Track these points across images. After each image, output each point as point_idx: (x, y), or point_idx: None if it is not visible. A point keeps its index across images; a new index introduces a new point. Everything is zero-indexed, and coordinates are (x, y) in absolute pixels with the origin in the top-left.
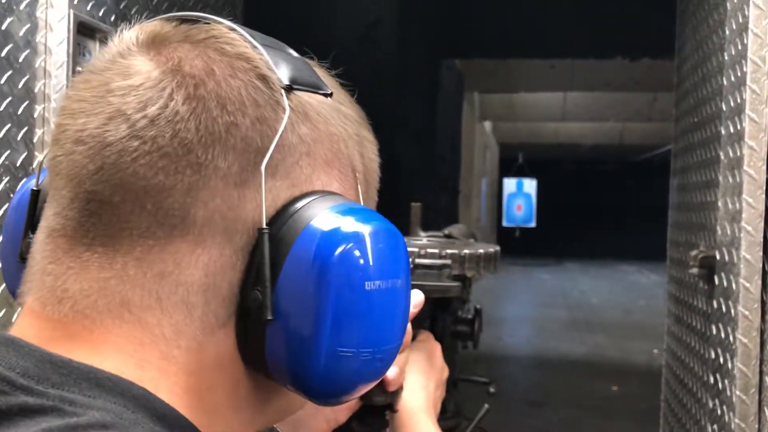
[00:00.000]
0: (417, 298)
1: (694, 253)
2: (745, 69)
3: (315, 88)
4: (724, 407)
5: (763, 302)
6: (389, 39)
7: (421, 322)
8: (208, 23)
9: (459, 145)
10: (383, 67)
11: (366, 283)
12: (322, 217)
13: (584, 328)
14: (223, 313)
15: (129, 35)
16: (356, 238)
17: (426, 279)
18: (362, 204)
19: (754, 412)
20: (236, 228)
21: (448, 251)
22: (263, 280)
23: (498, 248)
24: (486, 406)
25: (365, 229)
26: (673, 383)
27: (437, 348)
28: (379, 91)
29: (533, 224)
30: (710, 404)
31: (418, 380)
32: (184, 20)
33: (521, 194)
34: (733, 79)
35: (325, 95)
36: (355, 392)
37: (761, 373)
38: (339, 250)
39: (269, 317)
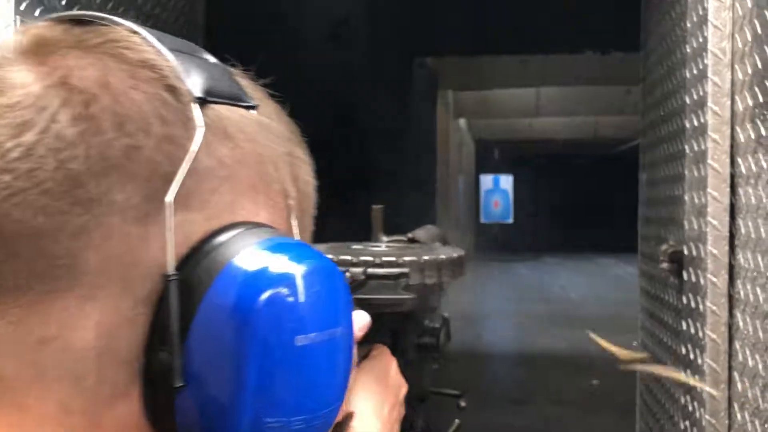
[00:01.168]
0: (362, 320)
1: (663, 248)
2: (706, 61)
3: (235, 100)
4: (696, 403)
5: (730, 297)
6: (358, 38)
7: (380, 335)
8: (107, 25)
9: (434, 143)
10: (352, 67)
11: (297, 337)
12: (244, 255)
13: (564, 323)
14: (122, 380)
15: (9, 40)
16: (286, 282)
17: (380, 292)
18: (296, 236)
19: (725, 408)
20: (136, 274)
21: (407, 258)
22: (170, 337)
23: (463, 252)
24: (456, 421)
25: (297, 270)
26: (648, 379)
27: (392, 363)
28: (348, 91)
29: (510, 220)
30: (682, 400)
31: (369, 406)
32: (77, 21)
33: (498, 191)
34: (695, 71)
35: (249, 108)
36: None
37: (730, 368)
38: (264, 296)
39: (179, 383)
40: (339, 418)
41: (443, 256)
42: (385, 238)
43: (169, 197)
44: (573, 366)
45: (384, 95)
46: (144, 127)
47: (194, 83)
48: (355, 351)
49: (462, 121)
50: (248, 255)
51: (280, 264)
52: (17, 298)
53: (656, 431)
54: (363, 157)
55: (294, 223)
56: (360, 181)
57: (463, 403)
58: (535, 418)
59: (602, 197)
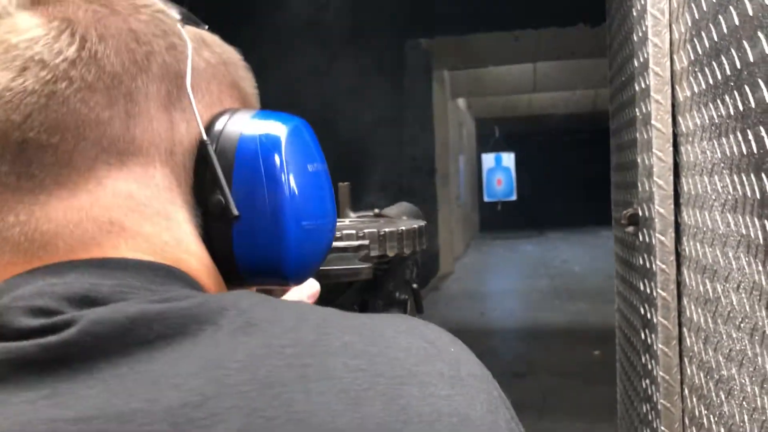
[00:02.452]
0: (312, 287)
1: (624, 211)
2: (647, 23)
3: (196, 23)
4: (653, 361)
5: (678, 255)
6: (341, 22)
7: (348, 307)
8: None
9: (431, 124)
10: (337, 52)
11: (308, 165)
12: (250, 123)
13: (566, 297)
14: (191, 221)
15: None
16: (289, 129)
17: (336, 263)
18: None
19: (677, 364)
20: (175, 149)
21: (366, 231)
22: (220, 183)
23: (424, 223)
24: None
25: (293, 123)
26: (623, 342)
27: None
28: (334, 76)
29: (514, 197)
30: (643, 359)
31: None
32: None
33: (500, 168)
34: (640, 34)
35: (201, 26)
36: (318, 264)
37: (680, 324)
38: (280, 143)
39: (235, 213)
40: None
41: (403, 228)
42: (352, 214)
43: (188, 87)
44: (574, 338)
45: (374, 79)
46: (153, 39)
47: (173, 10)
48: None
49: (461, 101)
50: (253, 122)
51: (278, 121)
52: (99, 169)
53: (630, 391)
54: (356, 143)
55: None
56: (354, 165)
57: None
58: (534, 390)
59: (603, 170)
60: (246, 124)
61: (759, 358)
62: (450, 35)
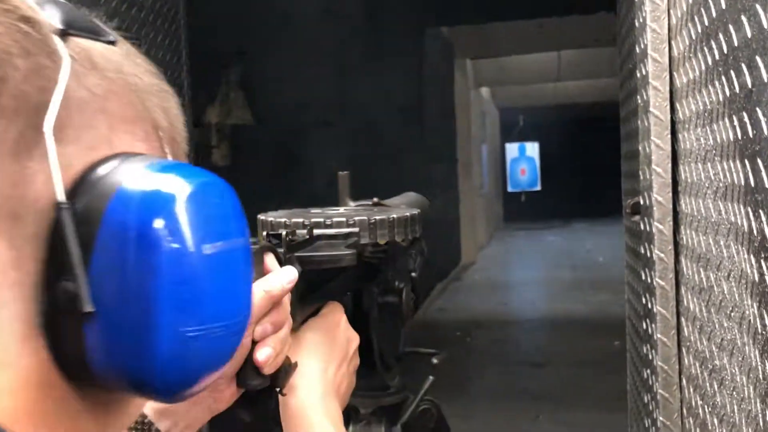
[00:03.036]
0: (290, 275)
1: (629, 200)
2: (645, 8)
3: (95, 33)
4: (653, 351)
5: (676, 243)
6: (356, 10)
7: (341, 293)
8: None
9: (452, 114)
10: (351, 41)
11: (206, 245)
12: (135, 178)
13: (588, 287)
14: (26, 317)
15: None
16: (186, 196)
17: (323, 249)
18: None
19: (675, 354)
20: (24, 211)
21: (356, 218)
22: (72, 266)
23: (417, 212)
24: (430, 377)
25: (190, 185)
26: (631, 332)
27: (340, 320)
28: (353, 64)
29: (538, 187)
30: (644, 349)
31: (314, 366)
32: None
33: (524, 158)
34: (640, 20)
35: (109, 43)
36: (207, 379)
37: (678, 314)
38: (168, 211)
39: (88, 309)
40: (270, 370)
41: (394, 216)
42: (351, 203)
43: (47, 126)
44: (595, 328)
45: (392, 68)
46: (7, 60)
47: (51, 15)
48: (286, 302)
49: (485, 90)
50: (139, 177)
51: (172, 181)
52: None
53: (637, 381)
54: (374, 133)
55: (167, 152)
56: (370, 156)
57: (435, 360)
58: (553, 380)
59: None
60: (132, 178)
61: (746, 348)
62: (472, 23)
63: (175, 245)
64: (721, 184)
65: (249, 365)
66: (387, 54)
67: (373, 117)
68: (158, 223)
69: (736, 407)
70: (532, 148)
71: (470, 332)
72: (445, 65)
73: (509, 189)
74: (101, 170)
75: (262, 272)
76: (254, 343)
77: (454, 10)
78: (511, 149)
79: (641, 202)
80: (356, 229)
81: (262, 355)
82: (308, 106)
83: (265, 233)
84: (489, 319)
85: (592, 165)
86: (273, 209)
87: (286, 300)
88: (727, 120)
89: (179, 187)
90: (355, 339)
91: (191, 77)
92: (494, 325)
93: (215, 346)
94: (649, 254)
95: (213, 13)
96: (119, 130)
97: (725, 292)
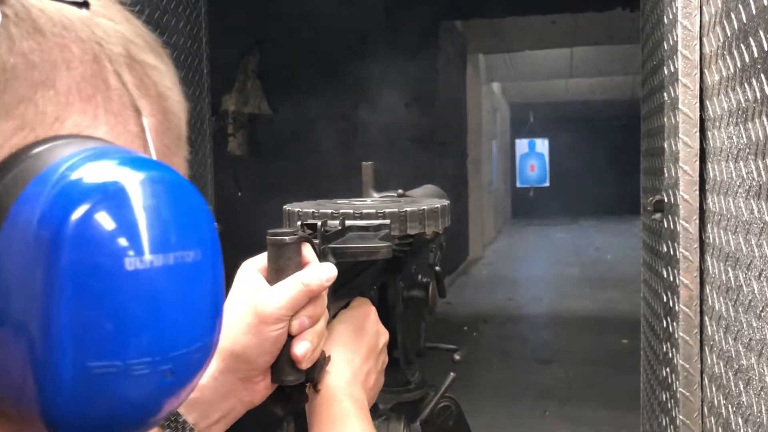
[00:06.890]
0: (329, 271)
1: (650, 198)
2: (677, 5)
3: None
4: (674, 349)
5: (702, 242)
6: (375, 1)
7: (370, 286)
8: None
9: (464, 108)
10: (368, 33)
11: (127, 259)
12: (58, 165)
13: (597, 285)
14: None
15: None
16: (108, 192)
17: (356, 241)
18: (153, 158)
19: (697, 353)
20: None
21: (387, 210)
22: None
23: (447, 203)
24: (452, 374)
25: (125, 179)
26: (647, 330)
27: (370, 313)
28: (367, 57)
29: (547, 184)
30: (663, 348)
31: (341, 356)
32: None
33: (534, 154)
34: (670, 16)
35: (77, 5)
36: (137, 424)
37: (701, 313)
38: (78, 211)
39: None
40: (307, 365)
41: (425, 207)
42: (375, 194)
43: None
44: (603, 326)
45: (406, 61)
46: None
47: None
48: (324, 298)
49: (496, 85)
50: (63, 165)
51: (102, 172)
52: None
53: (652, 379)
54: (385, 124)
55: (151, 142)
56: (383, 149)
57: (458, 356)
58: (559, 377)
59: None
60: (55, 167)
61: None
62: (486, 18)
63: (86, 257)
64: (754, 183)
65: (284, 359)
66: (403, 46)
67: (386, 108)
68: (69, 225)
69: (764, 407)
70: (542, 144)
71: (477, 327)
72: (458, 60)
73: (518, 184)
74: (27, 155)
75: (300, 263)
76: (290, 337)
77: (469, 3)
78: (521, 145)
79: (665, 200)
80: (387, 221)
81: (300, 349)
82: (324, 98)
83: (299, 223)
84: (496, 315)
85: (602, 162)
86: (289, 201)
87: (324, 293)
88: (764, 118)
89: (106, 182)
90: (384, 334)
91: (210, 65)
92: (501, 320)
93: (137, 388)
94: (672, 252)
95: (233, 1)
96: (72, 109)
97: (755, 291)
